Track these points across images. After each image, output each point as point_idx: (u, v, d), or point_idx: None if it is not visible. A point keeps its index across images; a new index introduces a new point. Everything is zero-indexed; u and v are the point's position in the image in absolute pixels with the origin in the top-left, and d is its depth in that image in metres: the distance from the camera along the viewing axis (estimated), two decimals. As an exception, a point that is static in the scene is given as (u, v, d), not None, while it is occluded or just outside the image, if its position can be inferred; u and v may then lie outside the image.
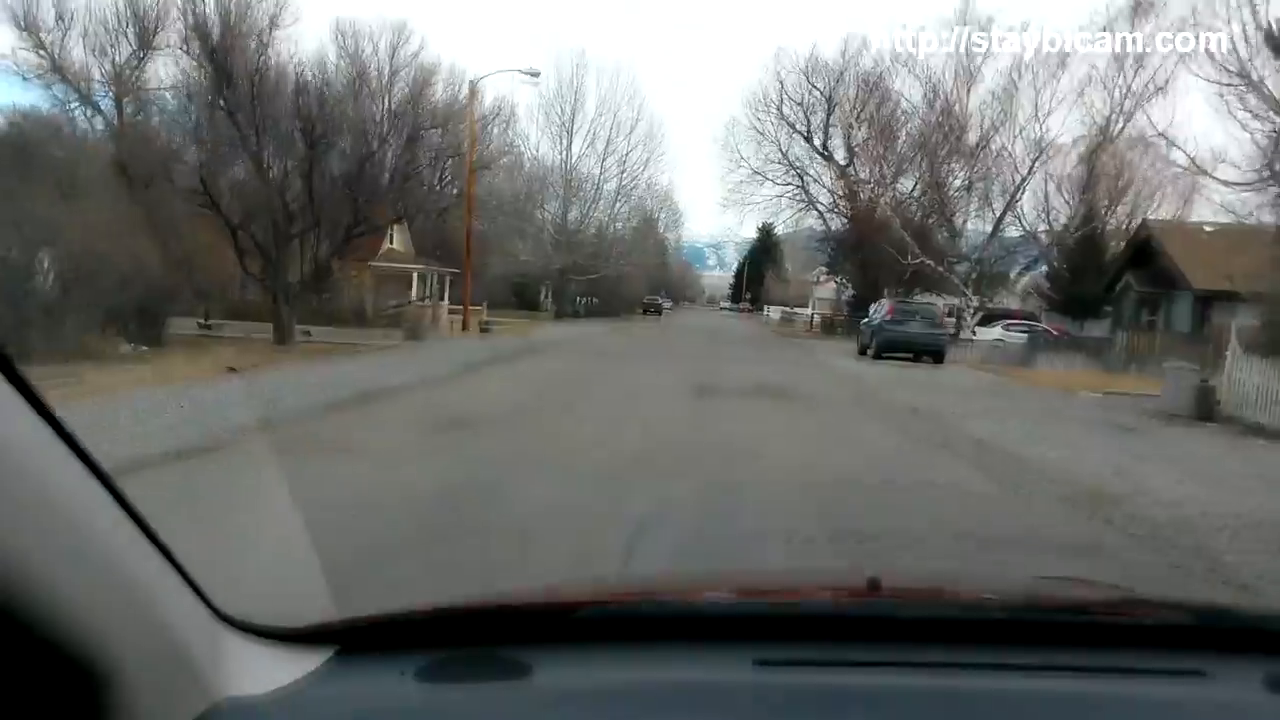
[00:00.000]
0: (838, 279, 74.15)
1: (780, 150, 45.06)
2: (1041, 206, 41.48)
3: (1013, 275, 40.86)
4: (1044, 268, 44.54)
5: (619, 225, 53.37)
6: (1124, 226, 49.61)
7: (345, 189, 19.10)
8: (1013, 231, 38.15)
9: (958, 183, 34.41)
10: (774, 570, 3.79)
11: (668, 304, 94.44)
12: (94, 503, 0.86)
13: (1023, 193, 33.87)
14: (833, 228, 45.82)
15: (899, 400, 14.86)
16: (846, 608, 1.36)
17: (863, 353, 29.18)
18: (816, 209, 45.86)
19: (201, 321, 24.72)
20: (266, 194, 18.99)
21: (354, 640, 1.18)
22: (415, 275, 36.99)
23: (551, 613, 1.32)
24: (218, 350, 17.88)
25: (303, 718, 1.04)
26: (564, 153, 46.49)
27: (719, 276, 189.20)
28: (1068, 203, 47.40)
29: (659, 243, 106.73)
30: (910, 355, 27.09)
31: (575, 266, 48.52)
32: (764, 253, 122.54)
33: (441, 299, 37.24)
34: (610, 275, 55.15)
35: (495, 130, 48.96)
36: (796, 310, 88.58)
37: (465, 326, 30.82)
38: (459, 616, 1.27)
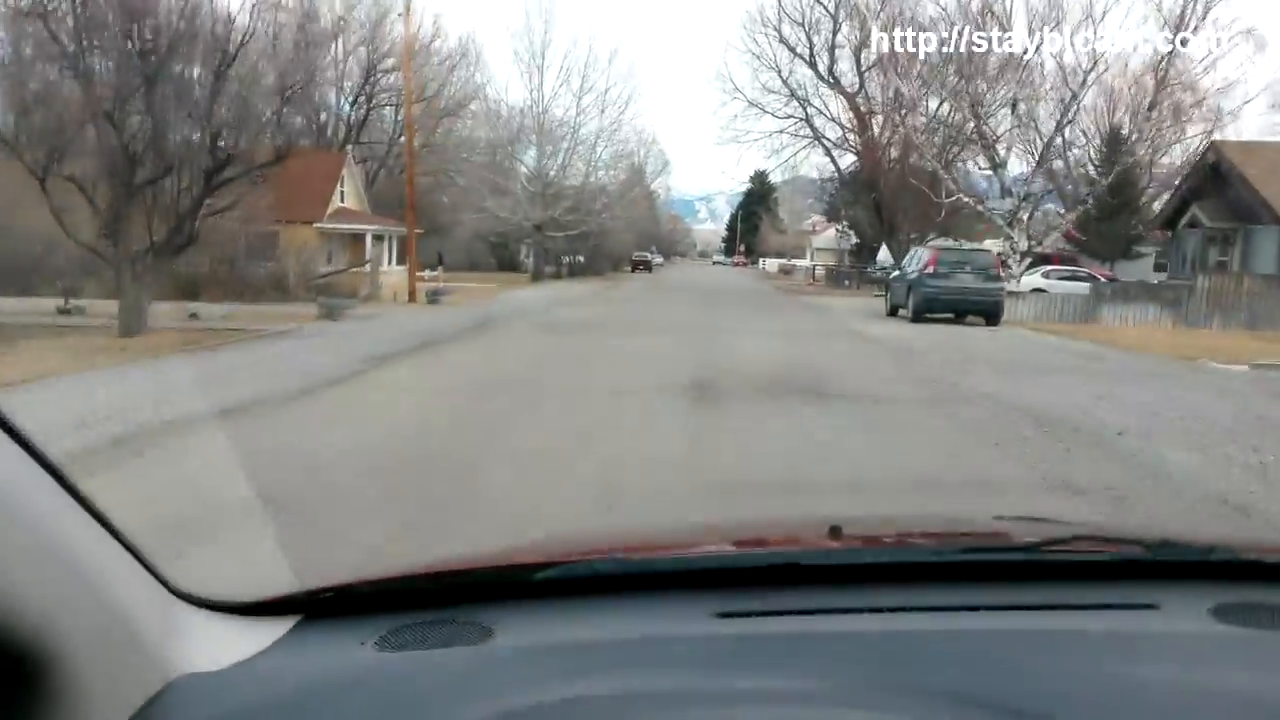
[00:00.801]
0: (840, 226, 68.83)
1: (780, 78, 39.53)
2: (1089, 133, 36.04)
3: (1063, 212, 35.54)
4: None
5: (601, 174, 47.76)
6: (1150, 160, 44.52)
7: (199, 116, 13.76)
8: (1017, 168, 32.69)
9: (998, 101, 28.93)
10: (738, 520, 3.48)
11: (658, 259, 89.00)
12: (35, 486, 0.88)
13: (1075, 112, 28.42)
14: (843, 166, 40.29)
15: (995, 395, 9.82)
16: (804, 556, 1.38)
17: (893, 313, 24.11)
18: (823, 144, 40.33)
19: (62, 305, 19.56)
20: (98, 128, 13.71)
21: (315, 610, 1.19)
22: (370, 237, 31.66)
23: (512, 574, 1.33)
24: (25, 346, 12.76)
25: (262, 688, 1.03)
26: (535, 92, 40.84)
27: (710, 230, 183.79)
28: (1099, 131, 42.29)
29: (647, 194, 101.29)
30: (952, 315, 21.97)
31: (554, 222, 43.17)
32: (758, 201, 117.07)
33: (402, 263, 32.00)
34: (594, 230, 49.83)
35: (460, 73, 43.33)
36: (795, 262, 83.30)
37: (412, 296, 25.59)
38: (419, 582, 1.30)
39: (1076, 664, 1.09)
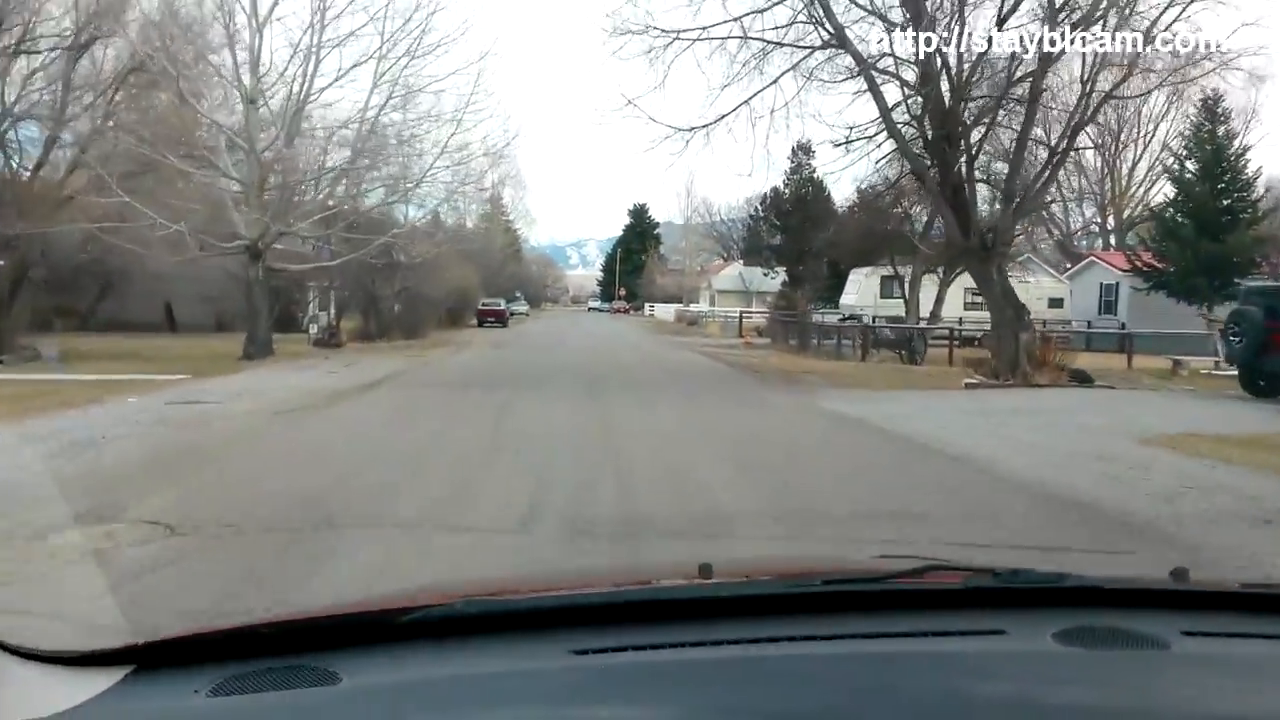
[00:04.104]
0: (769, 268, 52.30)
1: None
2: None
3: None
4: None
5: (421, 190, 28.17)
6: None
7: None
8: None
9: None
10: (617, 566, 3.73)
11: (522, 307, 70.50)
12: None
13: None
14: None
15: None
16: (660, 592, 1.45)
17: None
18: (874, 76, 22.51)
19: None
20: None
21: (149, 660, 1.17)
22: None
23: (365, 619, 1.31)
24: None
25: None
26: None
27: (582, 275, 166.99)
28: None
29: (508, 232, 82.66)
30: None
31: (290, 255, 24.37)
32: (637, 238, 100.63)
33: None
34: (402, 263, 31.19)
35: None
36: (695, 308, 66.32)
37: None
38: (260, 630, 1.27)
39: (924, 685, 1.15)
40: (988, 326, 34.33)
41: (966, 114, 16.04)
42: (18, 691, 1.06)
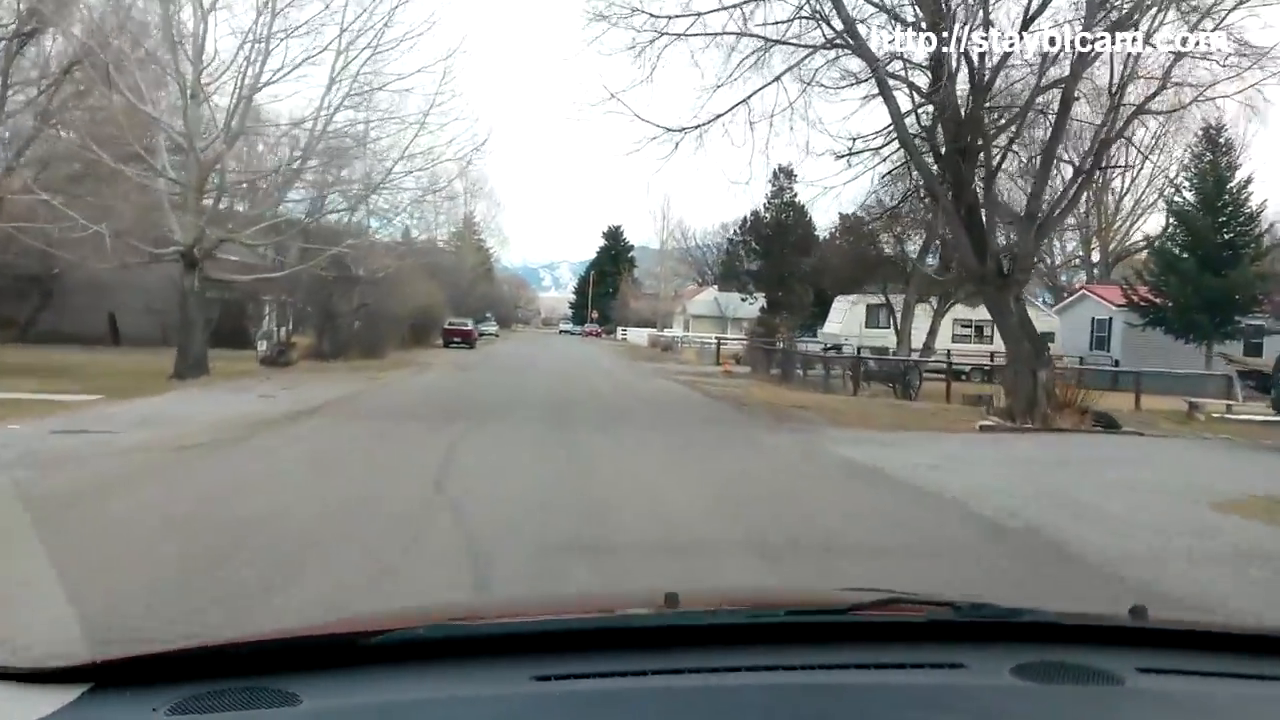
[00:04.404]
0: (747, 293, 50.43)
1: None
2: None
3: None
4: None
5: (383, 199, 25.91)
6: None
7: None
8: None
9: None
10: (585, 594, 3.61)
11: (492, 327, 68.38)
12: None
13: None
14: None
15: None
16: (623, 620, 1.43)
17: None
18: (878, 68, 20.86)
19: None
20: None
21: (107, 678, 1.15)
22: None
23: (325, 642, 1.31)
24: None
25: None
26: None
27: (555, 297, 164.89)
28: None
29: (479, 251, 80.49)
30: None
31: (230, 266, 22.37)
32: (611, 261, 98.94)
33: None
34: (364, 278, 29.23)
35: None
36: (670, 333, 64.48)
37: None
38: (221, 651, 1.25)
39: (883, 716, 1.16)
40: (977, 360, 33.02)
41: (988, 123, 14.37)
42: None
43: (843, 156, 15.61)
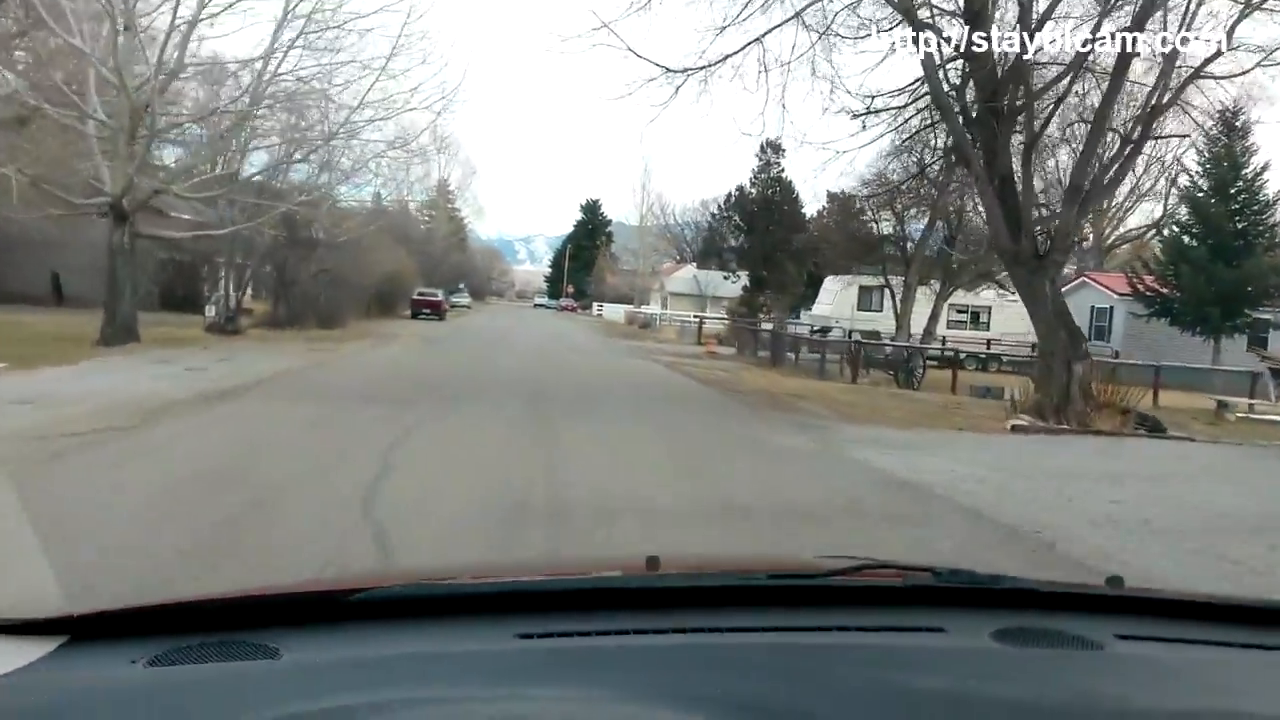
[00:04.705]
0: (730, 271, 48.41)
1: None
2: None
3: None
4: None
5: (341, 152, 23.42)
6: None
7: None
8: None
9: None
10: (567, 558, 3.72)
11: (465, 299, 66.17)
12: None
13: None
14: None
15: None
16: (606, 581, 1.41)
17: None
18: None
19: None
20: None
21: (85, 631, 1.15)
22: None
23: (309, 598, 1.29)
24: None
25: (15, 698, 1.01)
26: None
27: (530, 270, 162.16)
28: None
29: (453, 220, 77.80)
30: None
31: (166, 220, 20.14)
32: (589, 235, 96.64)
33: None
34: (322, 242, 27.05)
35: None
36: (648, 309, 62.48)
37: None
38: (202, 606, 1.25)
39: (863, 676, 1.16)
40: (974, 347, 31.38)
41: (1033, 78, 12.50)
42: None
43: (859, 116, 13.76)
